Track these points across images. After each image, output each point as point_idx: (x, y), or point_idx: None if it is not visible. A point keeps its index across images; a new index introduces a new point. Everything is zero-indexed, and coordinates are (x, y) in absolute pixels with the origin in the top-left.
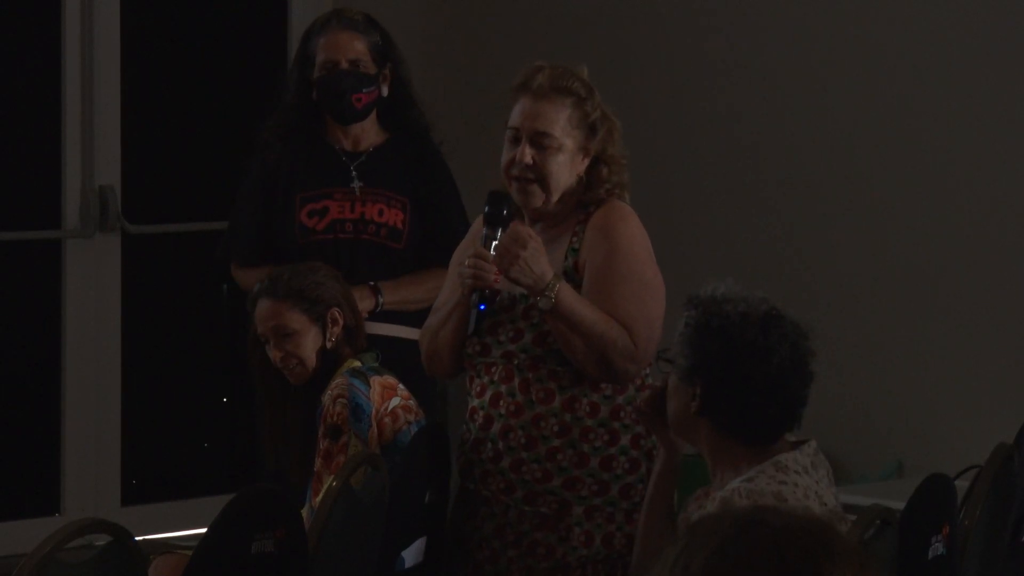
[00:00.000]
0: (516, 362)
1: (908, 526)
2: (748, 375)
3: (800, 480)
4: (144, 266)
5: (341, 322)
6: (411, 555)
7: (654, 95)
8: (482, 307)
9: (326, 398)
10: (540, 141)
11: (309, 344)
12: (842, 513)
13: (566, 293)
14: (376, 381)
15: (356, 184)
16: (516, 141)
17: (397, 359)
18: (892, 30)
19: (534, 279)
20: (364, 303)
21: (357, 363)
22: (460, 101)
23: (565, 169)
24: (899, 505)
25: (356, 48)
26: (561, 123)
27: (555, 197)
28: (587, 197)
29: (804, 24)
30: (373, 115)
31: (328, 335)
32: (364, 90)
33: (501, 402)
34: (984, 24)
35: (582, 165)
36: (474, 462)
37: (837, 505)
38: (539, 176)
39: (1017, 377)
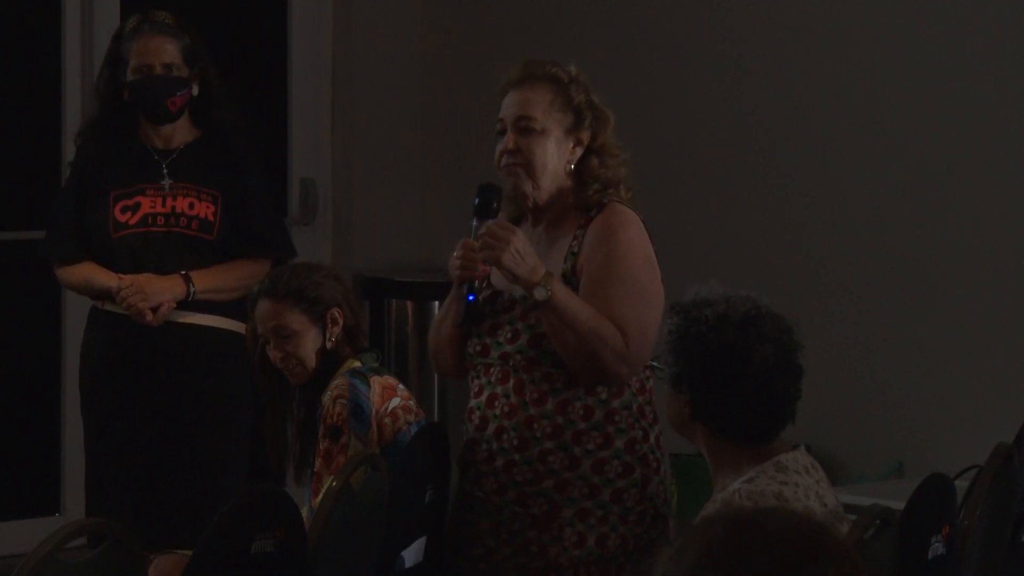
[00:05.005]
0: (512, 363)
1: (908, 526)
2: (731, 378)
3: (801, 480)
4: None
5: (341, 322)
6: (411, 555)
7: (655, 95)
8: (470, 297)
9: (326, 398)
10: (523, 125)
11: (309, 344)
12: (843, 513)
13: (560, 287)
14: (376, 381)
15: (166, 181)
16: (504, 134)
17: (210, 348)
18: (893, 28)
19: (527, 270)
20: (175, 291)
21: (357, 363)
22: (459, 103)
23: (551, 154)
24: (899, 505)
25: (168, 52)
26: (542, 106)
27: (544, 184)
28: (584, 197)
29: (805, 23)
30: (186, 114)
31: (328, 335)
32: (178, 93)
33: (497, 403)
34: (986, 26)
35: (572, 154)
36: (469, 463)
37: (838, 505)
38: (525, 161)
39: (1017, 377)
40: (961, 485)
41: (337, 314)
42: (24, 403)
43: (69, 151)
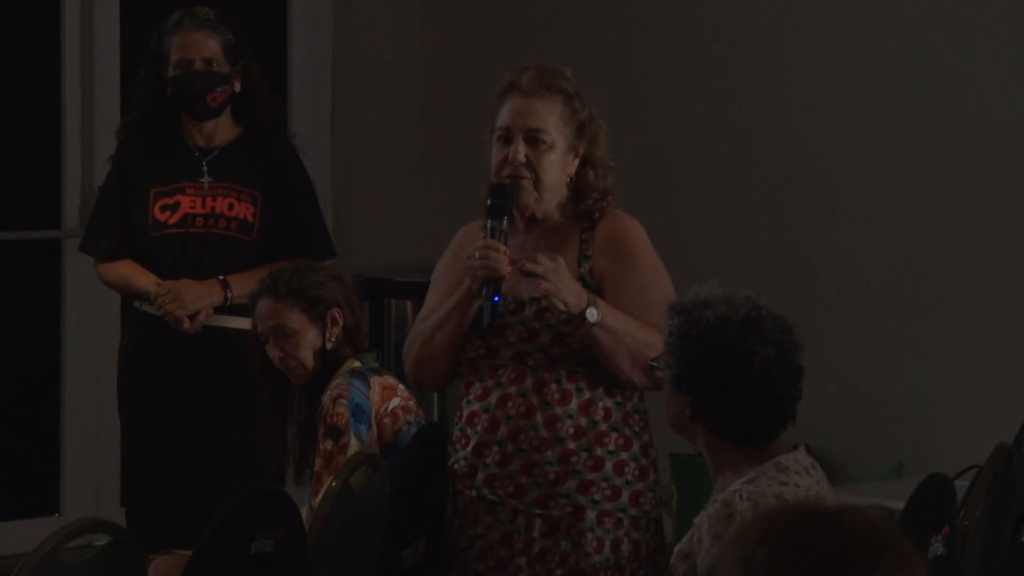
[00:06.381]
0: (530, 363)
1: (908, 526)
2: (731, 379)
3: (801, 480)
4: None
5: (341, 322)
6: (411, 555)
7: (655, 96)
8: (496, 298)
9: (326, 398)
10: (534, 137)
11: (309, 344)
12: None
13: (604, 305)
14: (376, 381)
15: (205, 179)
16: (507, 141)
17: (246, 352)
18: (893, 28)
19: (575, 296)
20: (213, 297)
21: (357, 363)
22: (459, 103)
23: (557, 168)
24: (899, 505)
25: (209, 47)
26: (553, 120)
27: (547, 196)
28: (584, 207)
29: (804, 23)
30: (227, 111)
31: (328, 335)
32: (218, 89)
33: (510, 403)
34: (986, 26)
35: (572, 166)
36: (477, 467)
37: None
38: (535, 175)
39: (1017, 377)
40: (961, 485)
41: (337, 314)
42: (24, 403)
43: (69, 151)
